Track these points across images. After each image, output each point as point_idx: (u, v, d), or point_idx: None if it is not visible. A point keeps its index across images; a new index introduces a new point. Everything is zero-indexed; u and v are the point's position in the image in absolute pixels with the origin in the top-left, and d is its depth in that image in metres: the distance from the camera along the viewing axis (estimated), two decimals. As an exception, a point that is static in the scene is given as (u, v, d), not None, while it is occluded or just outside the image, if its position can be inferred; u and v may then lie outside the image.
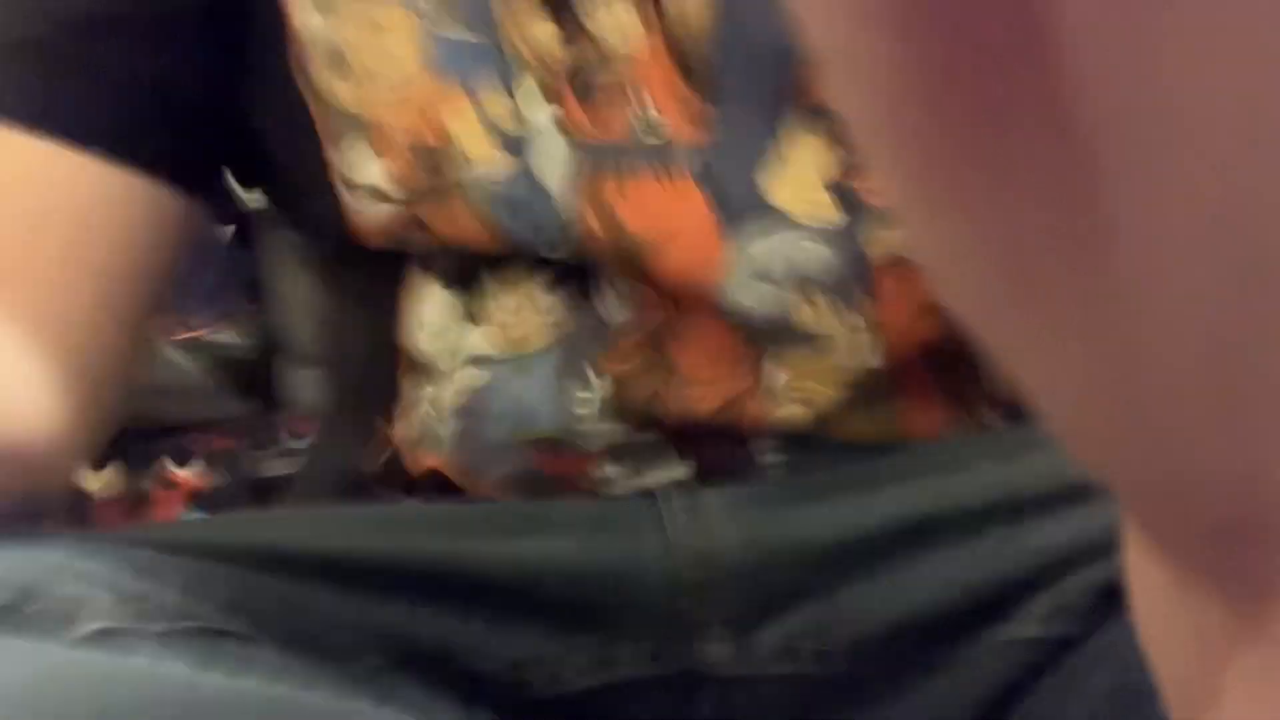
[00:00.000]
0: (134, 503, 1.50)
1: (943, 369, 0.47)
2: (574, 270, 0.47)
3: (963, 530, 0.43)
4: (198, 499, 1.57)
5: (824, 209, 0.45)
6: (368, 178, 0.47)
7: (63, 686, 0.33)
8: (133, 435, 1.42)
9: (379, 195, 0.47)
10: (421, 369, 0.49)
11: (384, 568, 0.44)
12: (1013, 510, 0.43)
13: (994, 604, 0.42)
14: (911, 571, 0.43)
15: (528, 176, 0.46)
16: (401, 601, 0.44)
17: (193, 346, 1.38)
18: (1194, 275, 0.08)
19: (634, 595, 0.44)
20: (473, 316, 0.48)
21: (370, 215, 0.48)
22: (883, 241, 0.45)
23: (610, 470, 0.46)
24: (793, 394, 0.45)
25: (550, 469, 0.47)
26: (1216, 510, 0.09)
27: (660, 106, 0.46)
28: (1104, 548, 0.41)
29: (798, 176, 0.46)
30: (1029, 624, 0.42)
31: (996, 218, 0.08)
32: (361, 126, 0.47)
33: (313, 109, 0.48)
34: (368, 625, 0.43)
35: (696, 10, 0.46)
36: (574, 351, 0.46)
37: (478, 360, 0.48)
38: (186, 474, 1.48)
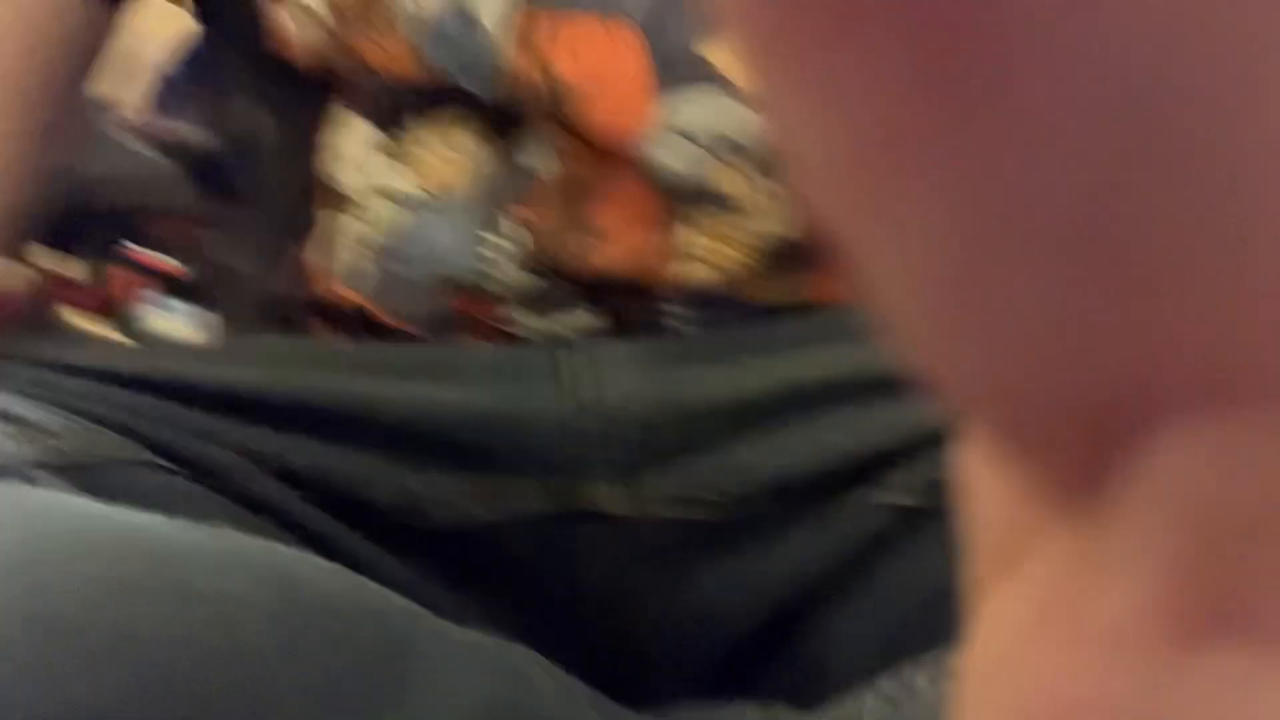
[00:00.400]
0: (97, 287, 1.51)
1: None
2: (497, 116, 0.46)
3: (846, 398, 0.44)
4: (171, 286, 1.57)
5: None
6: None
7: None
8: (95, 222, 1.41)
9: (308, 14, 0.47)
10: (336, 200, 0.49)
11: (291, 402, 0.45)
12: (894, 383, 0.44)
13: (866, 469, 0.44)
14: (796, 433, 0.44)
15: (462, 10, 0.45)
16: (307, 434, 0.45)
17: (154, 136, 1.36)
18: (1075, 152, 0.08)
19: (528, 438, 0.46)
20: (393, 153, 0.48)
21: (296, 34, 0.47)
22: None
23: (521, 316, 0.47)
24: (703, 256, 0.45)
25: (463, 310, 0.47)
26: (1061, 400, 0.09)
27: None
28: (943, 435, 0.43)
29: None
30: (892, 491, 0.43)
31: (853, 78, 0.08)
32: None
33: None
34: (272, 455, 0.45)
35: None
36: (491, 198, 0.46)
37: (396, 198, 0.48)
38: (154, 259, 1.48)
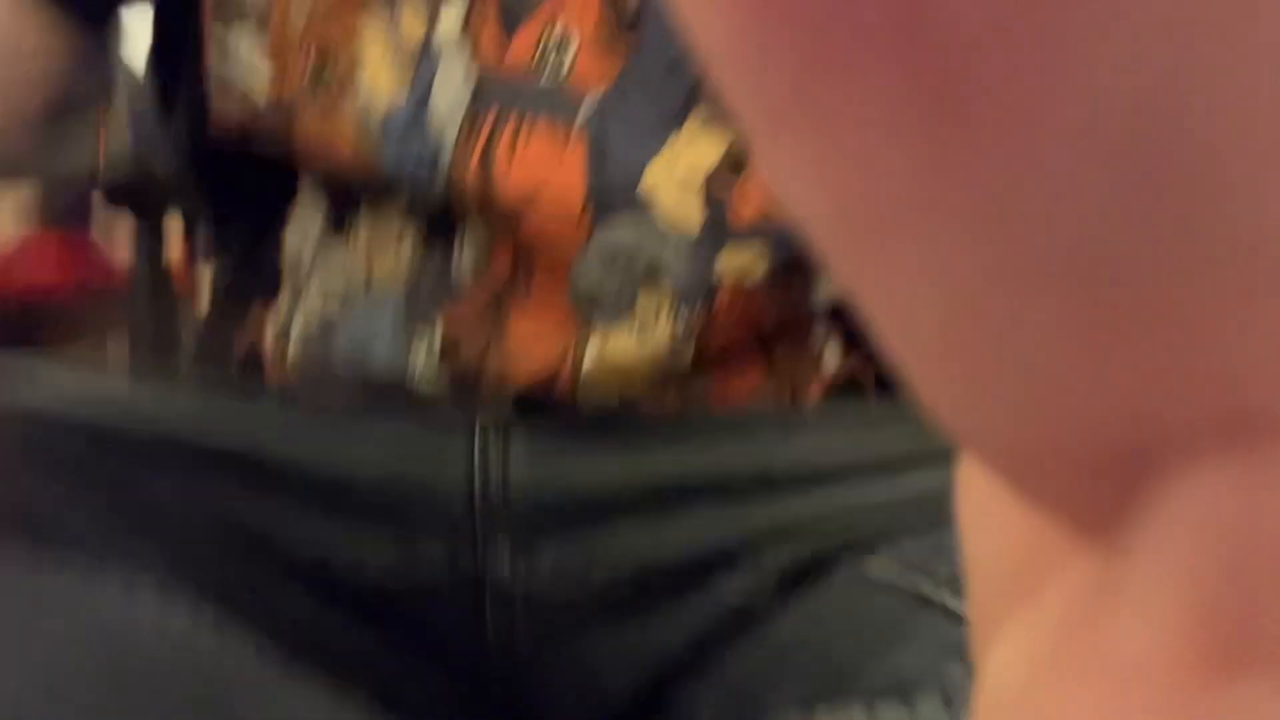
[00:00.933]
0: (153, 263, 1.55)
1: (760, 347, 0.49)
2: (436, 220, 0.48)
3: (711, 496, 0.47)
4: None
5: (690, 212, 0.46)
6: (243, 72, 0.47)
7: None
8: (146, 188, 1.45)
9: (247, 93, 0.47)
10: (291, 267, 0.50)
11: (212, 454, 0.48)
12: (755, 485, 0.47)
13: (716, 563, 0.46)
14: (665, 524, 0.47)
15: (419, 104, 0.46)
16: (226, 487, 0.47)
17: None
18: (1073, 188, 0.08)
19: (435, 505, 0.48)
20: (335, 247, 0.50)
21: (230, 111, 0.48)
22: (734, 260, 0.46)
23: (437, 408, 0.49)
24: (602, 377, 0.47)
25: (382, 397, 0.50)
26: (1074, 444, 0.09)
27: (575, 28, 0.45)
28: (798, 531, 0.45)
29: (679, 170, 0.46)
30: (733, 586, 0.46)
31: (843, 135, 0.08)
32: (260, 17, 0.47)
33: None
34: (193, 507, 0.47)
35: None
36: (420, 298, 0.48)
37: (332, 280, 0.49)
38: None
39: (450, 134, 0.46)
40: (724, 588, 0.46)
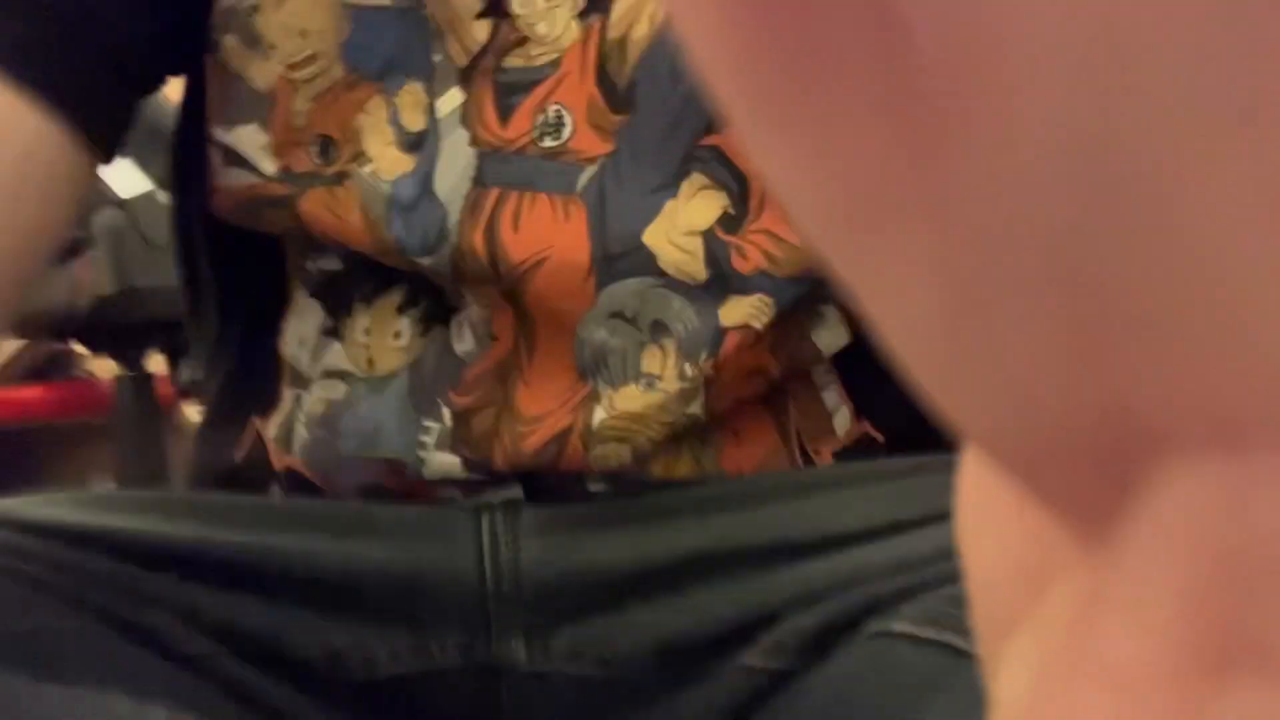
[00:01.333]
0: (139, 386, 1.56)
1: (769, 405, 0.50)
2: (429, 295, 0.49)
3: (727, 567, 0.47)
4: (191, 392, 1.63)
5: (694, 266, 0.47)
6: (247, 148, 0.49)
7: None
8: (129, 330, 1.47)
9: (252, 169, 0.49)
10: (290, 374, 0.52)
11: (225, 558, 0.48)
12: (771, 553, 0.47)
13: (739, 633, 0.46)
14: (682, 598, 0.47)
15: (423, 181, 0.47)
16: (232, 589, 0.48)
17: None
18: (1038, 196, 0.08)
19: (446, 597, 0.48)
20: (336, 331, 0.51)
21: (234, 184, 0.49)
22: (738, 310, 0.48)
23: (449, 492, 0.50)
24: (615, 434, 0.48)
25: (393, 485, 0.50)
26: (1065, 438, 0.09)
27: (570, 108, 0.47)
28: (819, 595, 0.45)
29: (678, 226, 0.47)
30: (757, 654, 0.46)
31: (831, 137, 0.08)
32: (259, 100, 0.48)
33: (210, 71, 0.49)
34: (206, 612, 0.48)
35: (637, 37, 0.47)
36: (423, 380, 0.49)
37: (335, 374, 0.51)
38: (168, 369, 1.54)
39: (456, 208, 0.47)
40: (747, 656, 0.46)
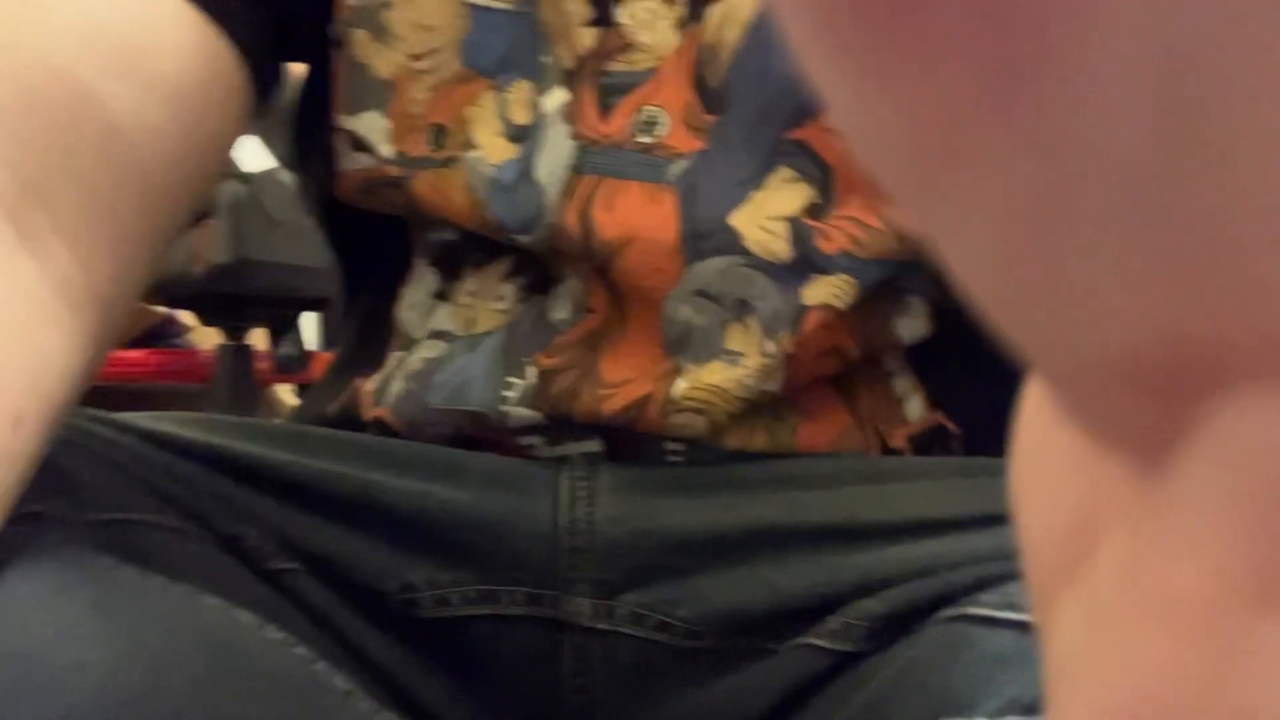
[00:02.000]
0: (238, 358, 1.61)
1: (841, 389, 0.51)
2: (533, 267, 0.52)
3: (800, 544, 0.47)
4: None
5: (777, 243, 0.49)
6: (368, 133, 0.52)
7: None
8: (237, 301, 1.52)
9: (371, 153, 0.52)
10: (400, 337, 0.54)
11: (308, 484, 0.50)
12: (845, 534, 0.47)
13: (806, 612, 0.46)
14: (752, 571, 0.47)
15: (524, 166, 0.50)
16: (319, 514, 0.50)
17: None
18: (1118, 124, 0.08)
19: (519, 545, 0.50)
20: (444, 294, 0.53)
21: (355, 167, 0.53)
22: (819, 286, 0.49)
23: (530, 440, 0.51)
24: (693, 404, 0.49)
25: (476, 434, 0.52)
26: (1130, 365, 0.09)
27: (666, 109, 0.50)
28: (890, 581, 0.45)
29: (764, 212, 0.49)
30: (823, 635, 0.46)
31: (915, 74, 0.08)
32: (382, 88, 0.52)
33: (338, 63, 0.52)
34: (287, 531, 0.50)
35: (729, 40, 0.49)
36: (516, 340, 0.51)
37: (439, 334, 0.53)
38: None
39: (553, 191, 0.49)
40: (811, 636, 0.46)
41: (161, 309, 1.86)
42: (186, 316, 1.89)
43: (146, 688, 0.39)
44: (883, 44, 0.08)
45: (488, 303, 0.52)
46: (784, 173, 0.49)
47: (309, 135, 0.56)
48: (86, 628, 0.39)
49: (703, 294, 0.49)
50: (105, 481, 0.47)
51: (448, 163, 0.51)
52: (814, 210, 0.49)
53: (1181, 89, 0.08)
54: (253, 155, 1.41)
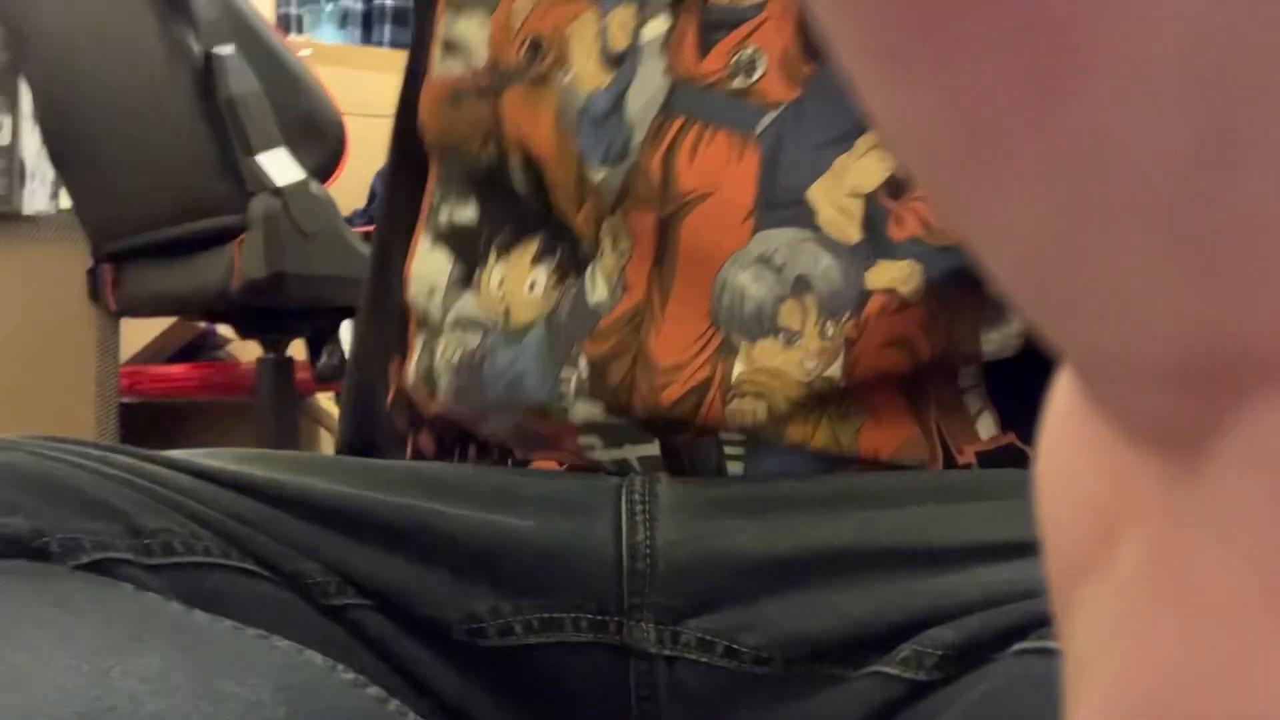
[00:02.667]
0: (279, 370, 1.62)
1: (909, 395, 0.50)
2: (563, 246, 0.51)
3: (869, 568, 0.46)
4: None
5: (849, 226, 0.48)
6: (467, 38, 0.52)
7: (40, 612, 0.40)
8: (275, 314, 1.53)
9: (466, 61, 0.52)
10: (419, 320, 0.54)
11: (367, 516, 0.50)
12: (916, 558, 0.46)
13: (877, 639, 0.45)
14: (820, 596, 0.46)
15: (616, 99, 0.49)
16: (379, 547, 0.50)
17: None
18: (1161, 123, 0.08)
19: (582, 571, 0.50)
20: (468, 281, 0.53)
21: (449, 74, 0.52)
22: (883, 270, 0.48)
23: (589, 440, 0.51)
24: (753, 388, 0.48)
25: (538, 429, 0.52)
26: (1169, 362, 0.09)
27: (766, 51, 0.49)
28: (963, 609, 0.44)
29: (843, 186, 0.48)
30: (894, 663, 0.45)
31: (956, 73, 0.08)
32: (488, 7, 0.52)
33: None
34: (348, 566, 0.50)
35: None
36: (559, 331, 0.51)
37: (470, 323, 0.52)
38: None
39: (641, 129, 0.49)
40: (883, 664, 0.45)
41: (200, 324, 1.87)
42: (225, 329, 1.90)
43: None
44: (923, 48, 0.08)
45: (520, 292, 0.52)
46: (871, 139, 0.48)
47: (417, 37, 0.57)
48: (167, 679, 0.39)
49: (765, 261, 0.48)
50: (169, 525, 0.47)
51: (540, 80, 0.50)
52: (894, 188, 0.48)
53: (1221, 93, 0.08)
54: (283, 168, 1.41)
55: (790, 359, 0.47)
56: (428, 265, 0.54)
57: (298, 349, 1.63)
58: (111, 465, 0.48)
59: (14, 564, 0.42)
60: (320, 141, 1.47)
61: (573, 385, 0.50)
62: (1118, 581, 0.10)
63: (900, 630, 0.45)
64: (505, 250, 0.52)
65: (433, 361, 0.53)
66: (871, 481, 0.49)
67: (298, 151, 1.44)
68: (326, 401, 1.88)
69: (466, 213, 0.53)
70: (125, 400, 1.82)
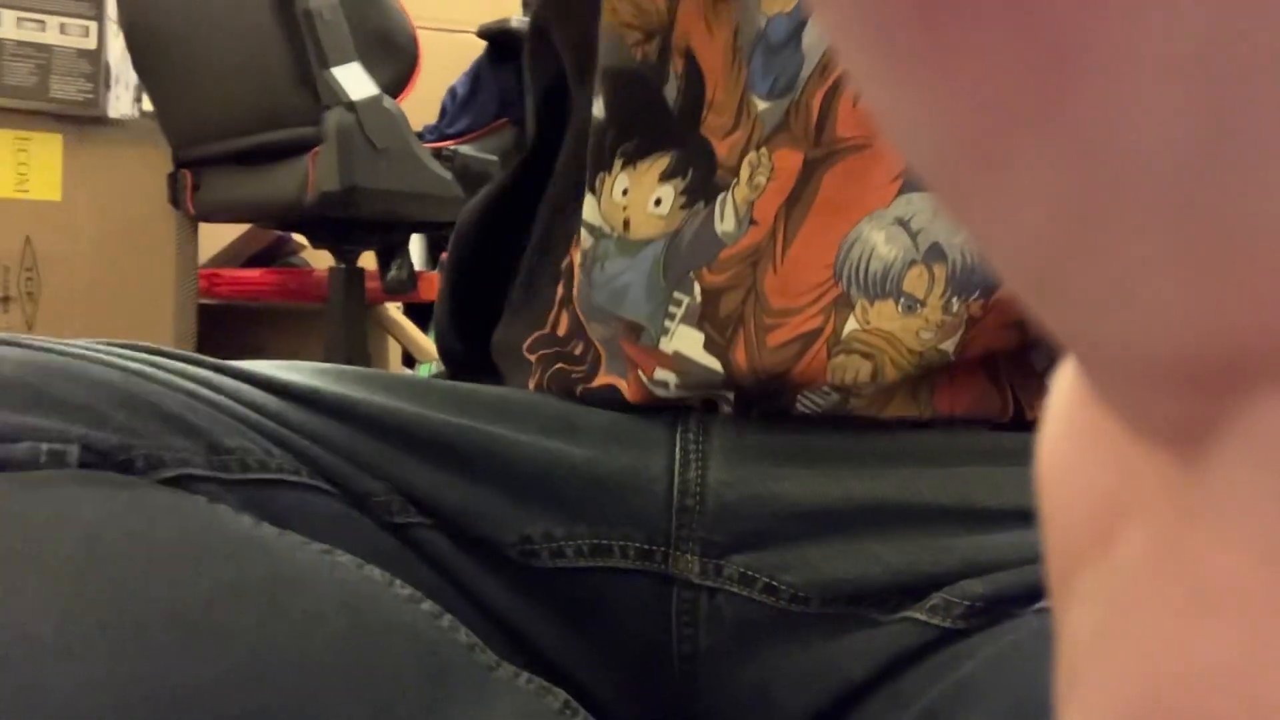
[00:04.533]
0: (350, 279, 1.65)
1: (990, 359, 0.50)
2: (696, 167, 0.50)
3: (911, 523, 0.47)
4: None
5: None
6: None
7: (126, 521, 0.43)
8: (347, 226, 1.55)
9: None
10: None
11: (433, 438, 0.52)
12: (957, 516, 0.47)
13: (908, 589, 0.47)
14: (861, 545, 0.48)
15: (795, 28, 0.48)
16: (442, 467, 0.52)
17: (445, 155, 1.49)
18: (1162, 119, 0.08)
19: (634, 502, 0.51)
20: (590, 185, 0.53)
21: None
22: None
23: (665, 376, 0.52)
24: (863, 347, 0.48)
25: (628, 348, 0.52)
26: (1171, 356, 0.09)
27: None
28: (996, 566, 0.45)
29: None
30: (923, 610, 0.46)
31: (960, 70, 0.08)
32: None
33: None
34: (412, 484, 0.52)
35: None
36: (679, 253, 0.50)
37: (586, 226, 0.53)
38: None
39: (812, 62, 0.47)
40: (913, 610, 0.46)
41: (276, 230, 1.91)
42: (300, 236, 1.94)
43: (295, 651, 0.41)
44: (925, 46, 0.08)
45: (644, 206, 0.51)
46: None
47: None
48: (237, 589, 0.42)
49: (902, 224, 0.47)
50: (244, 442, 0.49)
51: (720, 6, 0.49)
52: None
53: (1223, 89, 0.08)
54: (357, 82, 1.42)
55: (907, 326, 0.47)
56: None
57: (368, 260, 1.66)
58: (189, 379, 0.50)
59: (104, 474, 0.44)
60: (394, 56, 1.48)
61: (682, 309, 0.50)
62: (1118, 572, 0.10)
63: (935, 581, 0.46)
64: (632, 161, 0.51)
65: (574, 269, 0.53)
66: (921, 440, 0.49)
67: (372, 66, 1.45)
68: (395, 311, 1.92)
69: (594, 109, 0.52)
70: (203, 301, 1.86)
